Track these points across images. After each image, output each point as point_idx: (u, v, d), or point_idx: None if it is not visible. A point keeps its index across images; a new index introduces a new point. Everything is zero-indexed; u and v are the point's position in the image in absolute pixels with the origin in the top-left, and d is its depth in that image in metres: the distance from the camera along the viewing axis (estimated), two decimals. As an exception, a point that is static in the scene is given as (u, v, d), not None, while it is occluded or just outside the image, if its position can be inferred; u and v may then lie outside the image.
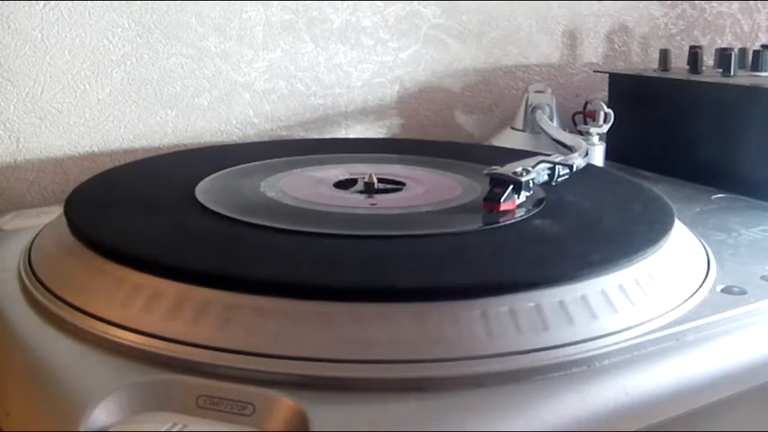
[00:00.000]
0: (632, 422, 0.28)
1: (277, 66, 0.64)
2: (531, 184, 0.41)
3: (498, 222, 0.39)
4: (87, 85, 0.57)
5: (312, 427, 0.24)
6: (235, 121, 0.64)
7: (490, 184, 0.41)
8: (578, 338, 0.29)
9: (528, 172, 0.41)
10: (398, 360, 0.28)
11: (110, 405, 0.25)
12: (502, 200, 0.40)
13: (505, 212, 0.40)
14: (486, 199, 0.40)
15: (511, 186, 0.40)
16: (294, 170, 0.50)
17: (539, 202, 0.42)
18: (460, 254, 0.35)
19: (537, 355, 0.28)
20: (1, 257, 0.39)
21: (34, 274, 0.36)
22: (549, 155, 0.46)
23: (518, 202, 0.41)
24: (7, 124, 0.55)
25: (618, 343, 0.30)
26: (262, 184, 0.46)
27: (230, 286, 0.30)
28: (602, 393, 0.28)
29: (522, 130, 0.67)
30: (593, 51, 0.81)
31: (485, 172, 0.42)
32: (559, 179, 0.44)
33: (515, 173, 0.41)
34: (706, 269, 0.37)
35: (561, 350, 0.29)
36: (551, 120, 0.65)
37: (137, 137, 0.60)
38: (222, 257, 0.34)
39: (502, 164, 0.42)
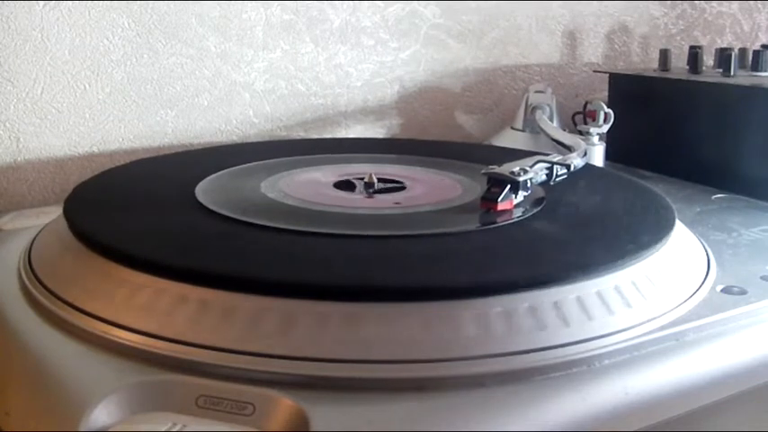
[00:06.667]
0: (632, 422, 0.28)
1: (277, 66, 0.64)
2: (528, 184, 0.41)
3: (497, 222, 0.39)
4: (87, 85, 0.57)
5: (312, 427, 0.24)
6: (235, 121, 0.64)
7: (488, 183, 0.41)
8: (578, 338, 0.29)
9: (525, 172, 0.41)
10: (398, 360, 0.28)
11: (110, 405, 0.25)
12: (499, 199, 0.40)
13: (503, 212, 0.40)
14: (483, 198, 0.40)
15: (508, 186, 0.40)
16: (294, 170, 0.50)
17: (538, 202, 0.42)
18: (460, 254, 0.34)
19: (537, 355, 0.28)
20: (1, 257, 0.40)
21: (34, 274, 0.36)
22: (547, 155, 0.46)
23: (516, 201, 0.41)
24: (7, 124, 0.55)
25: (618, 343, 0.30)
26: (262, 184, 0.46)
27: (230, 286, 0.30)
28: (602, 393, 0.28)
29: (522, 130, 0.67)
30: (593, 51, 0.81)
31: (482, 171, 0.42)
32: (557, 179, 0.44)
33: (513, 172, 0.41)
34: (706, 269, 0.37)
35: (561, 350, 0.29)
36: (551, 120, 0.65)
37: (137, 137, 0.60)
38: (222, 257, 0.34)
39: (500, 164, 0.42)
